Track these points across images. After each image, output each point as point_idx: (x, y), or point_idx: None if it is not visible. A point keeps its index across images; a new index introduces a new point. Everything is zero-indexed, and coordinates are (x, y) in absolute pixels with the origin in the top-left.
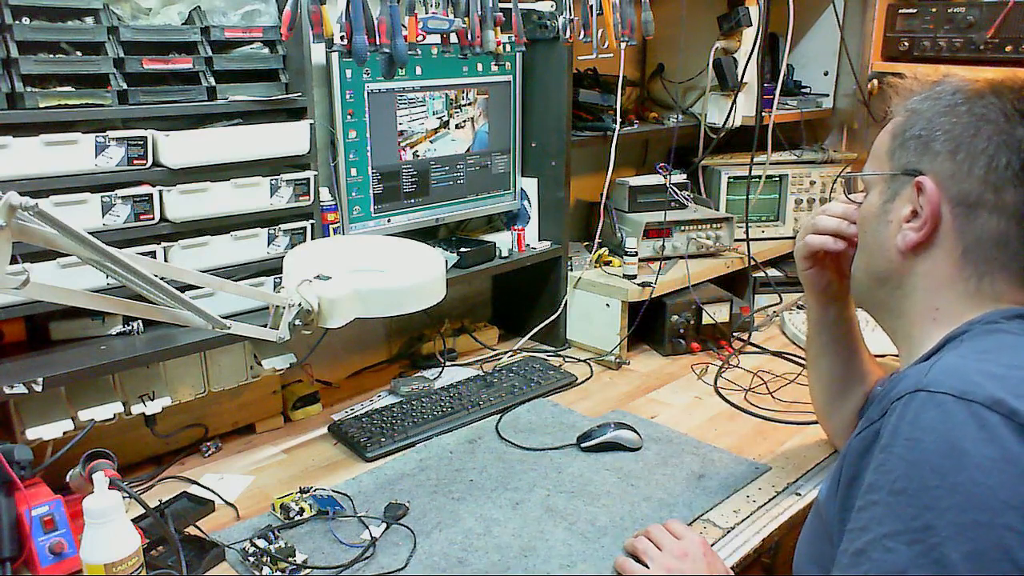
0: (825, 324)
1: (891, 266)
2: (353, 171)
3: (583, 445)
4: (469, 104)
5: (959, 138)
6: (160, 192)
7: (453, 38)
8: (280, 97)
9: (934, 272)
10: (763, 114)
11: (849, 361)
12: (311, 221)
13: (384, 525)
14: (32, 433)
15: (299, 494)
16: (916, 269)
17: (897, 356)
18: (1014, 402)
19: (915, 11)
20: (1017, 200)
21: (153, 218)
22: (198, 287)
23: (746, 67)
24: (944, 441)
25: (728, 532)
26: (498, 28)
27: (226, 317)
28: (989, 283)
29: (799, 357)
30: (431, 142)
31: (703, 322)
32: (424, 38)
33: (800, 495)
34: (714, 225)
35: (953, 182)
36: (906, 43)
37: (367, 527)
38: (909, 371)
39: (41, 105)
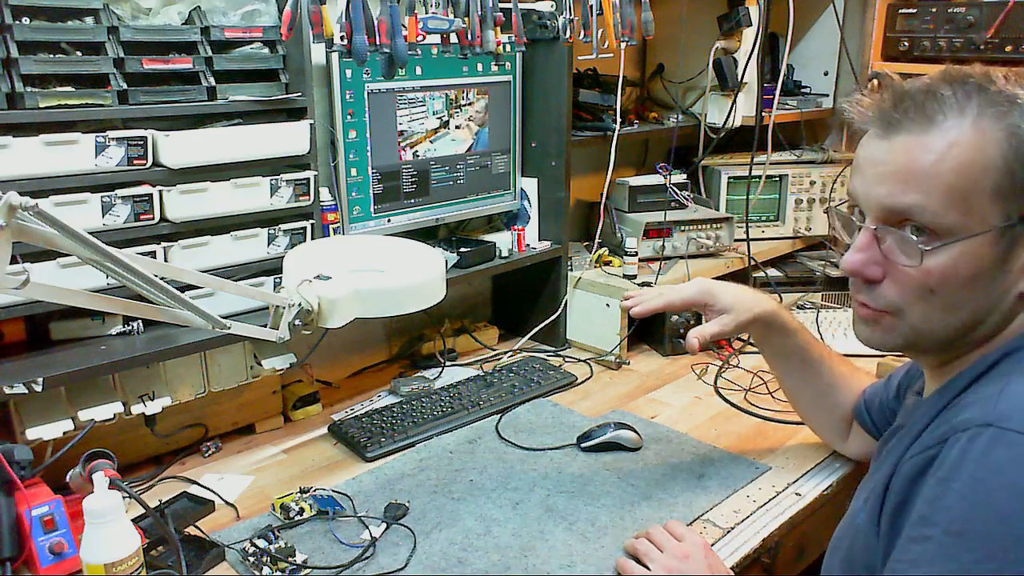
0: (771, 355)
1: (998, 310)
2: (353, 171)
3: (583, 445)
4: (469, 104)
5: None
6: (160, 192)
7: (453, 38)
8: (280, 97)
9: None
10: (763, 114)
11: (812, 380)
12: (311, 221)
13: (384, 525)
14: (32, 433)
15: (299, 494)
16: None
17: (897, 356)
18: None
19: (915, 11)
20: None
21: (153, 218)
22: (198, 287)
23: (746, 67)
24: (1014, 486)
25: (728, 532)
26: (498, 28)
27: (226, 317)
28: None
29: None
30: (431, 142)
31: (703, 322)
32: (424, 38)
33: (800, 495)
34: (714, 225)
35: None
36: (906, 43)
37: (367, 527)
38: (973, 398)
39: (41, 105)
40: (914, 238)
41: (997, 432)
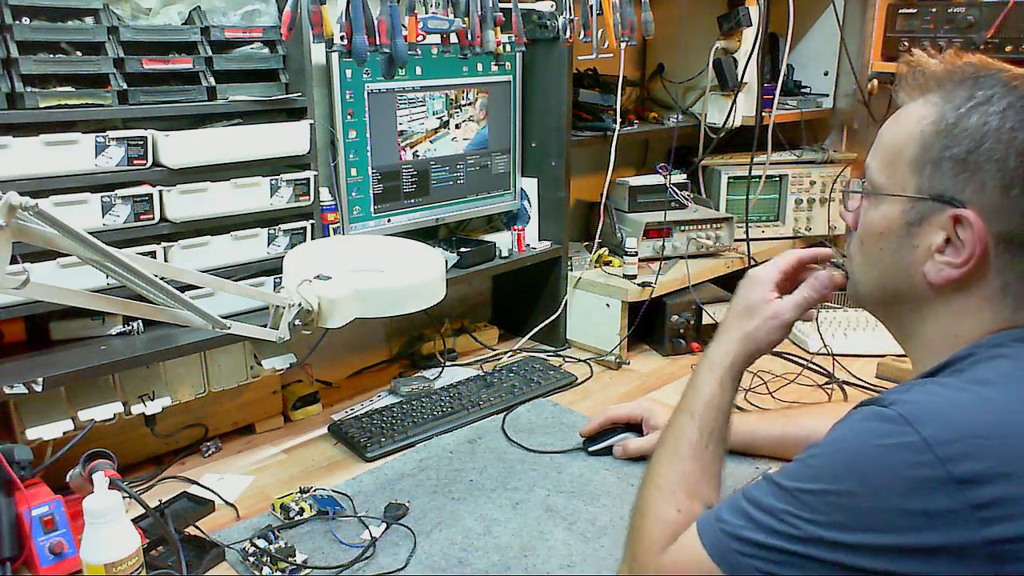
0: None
1: (912, 291)
2: (353, 171)
3: (590, 449)
4: (469, 104)
5: (1014, 172)
6: (160, 192)
7: (453, 38)
8: (280, 97)
9: (963, 304)
10: (763, 114)
11: (788, 434)
12: (311, 221)
13: (384, 525)
14: (32, 433)
15: (299, 494)
16: (943, 300)
17: (897, 357)
18: (956, 456)
19: (915, 11)
20: None
21: (153, 218)
22: (198, 287)
23: (746, 67)
24: (860, 446)
25: None
26: (498, 28)
27: (226, 317)
28: (1019, 317)
29: (799, 357)
30: (431, 142)
31: (703, 322)
32: (424, 38)
33: None
34: (714, 225)
35: (1001, 218)
36: (906, 43)
37: (367, 527)
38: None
39: (41, 105)
40: (858, 190)
41: (877, 409)
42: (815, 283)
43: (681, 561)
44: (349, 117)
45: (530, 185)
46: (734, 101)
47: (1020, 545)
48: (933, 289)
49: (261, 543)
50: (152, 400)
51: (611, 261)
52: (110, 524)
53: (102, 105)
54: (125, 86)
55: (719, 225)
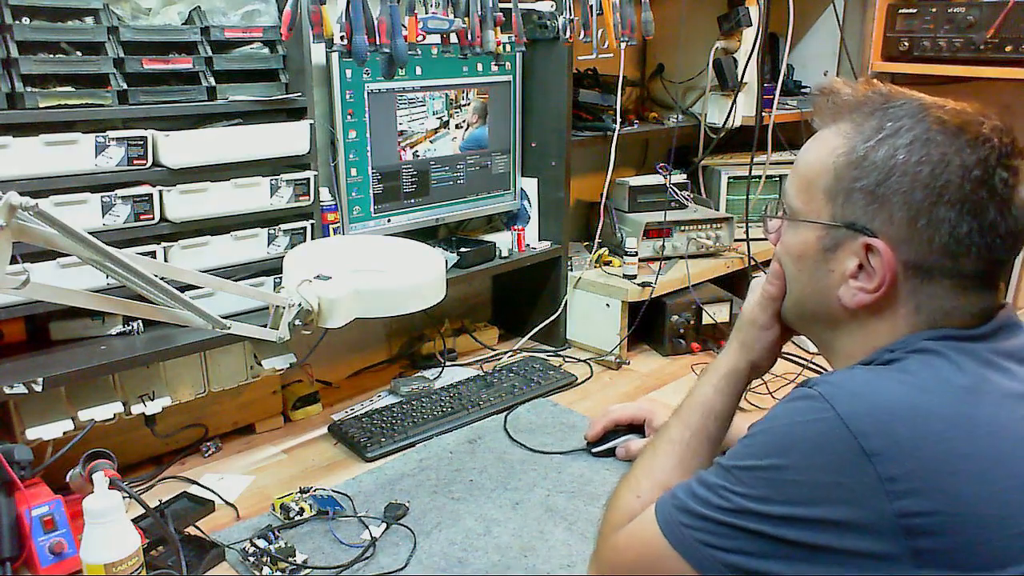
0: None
1: (828, 312)
2: (353, 171)
3: (594, 450)
4: (469, 104)
5: (920, 205)
6: (160, 192)
7: (453, 38)
8: (280, 97)
9: (877, 325)
10: (763, 114)
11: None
12: (311, 221)
13: (384, 525)
14: (32, 433)
15: (299, 494)
16: (858, 322)
17: None
18: (867, 431)
19: (915, 11)
20: (975, 266)
21: (153, 218)
22: (198, 287)
23: (746, 67)
24: (784, 424)
25: None
26: (498, 28)
27: (226, 317)
28: (937, 327)
29: (799, 357)
30: (431, 142)
31: (703, 322)
32: (424, 38)
33: None
34: (714, 225)
35: (909, 248)
36: (906, 43)
37: (367, 527)
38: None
39: (41, 105)
40: (777, 214)
41: (802, 390)
42: (769, 274)
43: (635, 536)
44: (349, 117)
45: (530, 185)
46: (734, 101)
47: (929, 519)
48: (847, 312)
49: (261, 543)
50: (152, 400)
51: (611, 261)
52: (110, 524)
53: (102, 105)
54: (125, 86)
55: (719, 225)
